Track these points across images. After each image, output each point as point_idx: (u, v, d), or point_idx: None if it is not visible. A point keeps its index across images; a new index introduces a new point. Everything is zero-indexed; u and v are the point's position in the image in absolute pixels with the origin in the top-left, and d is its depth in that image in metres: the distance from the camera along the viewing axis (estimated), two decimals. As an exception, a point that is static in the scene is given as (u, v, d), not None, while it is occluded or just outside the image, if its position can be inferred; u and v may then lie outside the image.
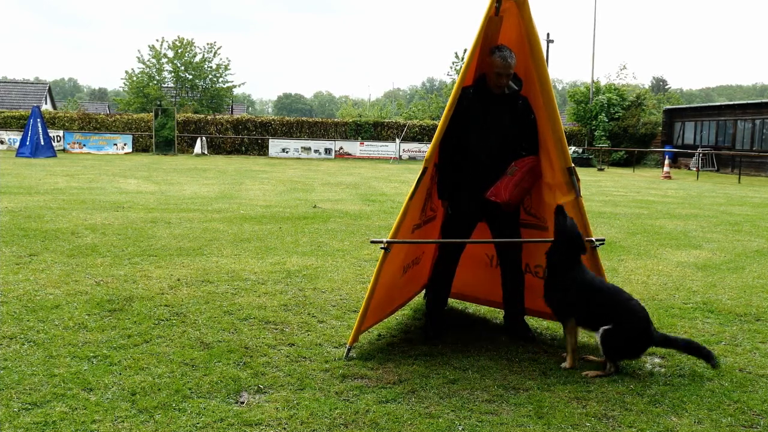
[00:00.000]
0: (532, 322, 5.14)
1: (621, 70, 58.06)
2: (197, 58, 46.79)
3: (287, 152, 35.60)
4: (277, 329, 4.87)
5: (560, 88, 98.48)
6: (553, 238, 4.38)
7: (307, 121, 39.62)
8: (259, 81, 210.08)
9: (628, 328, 4.09)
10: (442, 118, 4.45)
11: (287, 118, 40.73)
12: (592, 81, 40.16)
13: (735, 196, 18.38)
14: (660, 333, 4.25)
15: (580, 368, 4.20)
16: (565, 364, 4.21)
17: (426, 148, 31.58)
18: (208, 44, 47.69)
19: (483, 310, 5.60)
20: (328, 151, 35.90)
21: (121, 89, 50.04)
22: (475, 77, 4.73)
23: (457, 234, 4.81)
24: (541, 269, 4.64)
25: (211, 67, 47.22)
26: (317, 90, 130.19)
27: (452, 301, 5.72)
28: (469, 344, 4.67)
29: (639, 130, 38.40)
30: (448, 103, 4.50)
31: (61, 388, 3.66)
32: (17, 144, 29.61)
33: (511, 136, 4.67)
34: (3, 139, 33.61)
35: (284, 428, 3.31)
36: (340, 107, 71.16)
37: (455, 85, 4.51)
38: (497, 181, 4.60)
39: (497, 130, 4.65)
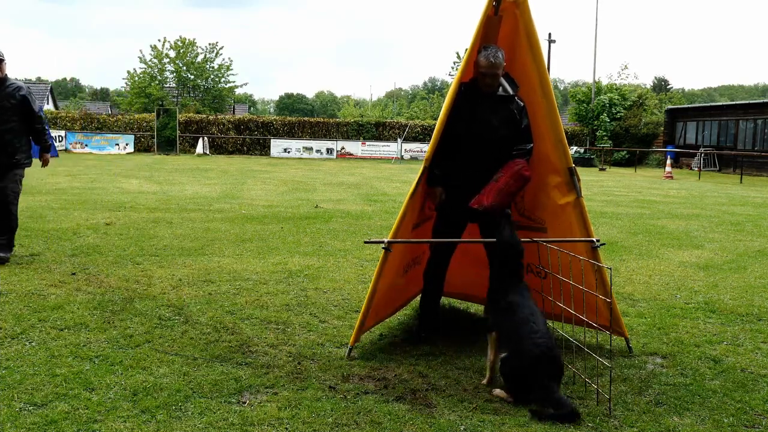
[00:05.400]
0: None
1: (623, 69, 58.20)
2: (199, 58, 46.83)
3: (289, 152, 35.62)
4: (278, 329, 4.87)
5: (562, 88, 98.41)
6: (550, 239, 4.41)
7: (309, 121, 39.66)
8: (260, 81, 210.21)
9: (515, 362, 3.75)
10: (441, 115, 4.46)
11: (289, 118, 40.78)
12: (594, 81, 40.16)
13: (737, 196, 18.36)
14: (548, 385, 3.64)
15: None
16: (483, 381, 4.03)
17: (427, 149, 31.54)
18: (210, 44, 47.71)
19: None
20: (329, 151, 35.93)
21: (123, 89, 50.08)
22: (471, 77, 4.72)
23: (444, 234, 4.79)
24: (542, 269, 4.63)
25: (213, 67, 47.25)
26: (319, 90, 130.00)
27: (454, 301, 5.73)
28: (471, 344, 4.67)
29: (641, 130, 38.39)
30: (446, 100, 4.50)
31: (63, 388, 3.67)
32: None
33: (498, 139, 4.57)
34: (5, 139, 33.62)
35: (286, 428, 3.31)
36: (342, 107, 71.15)
37: (453, 83, 4.50)
38: (484, 187, 4.54)
39: (483, 131, 4.57)
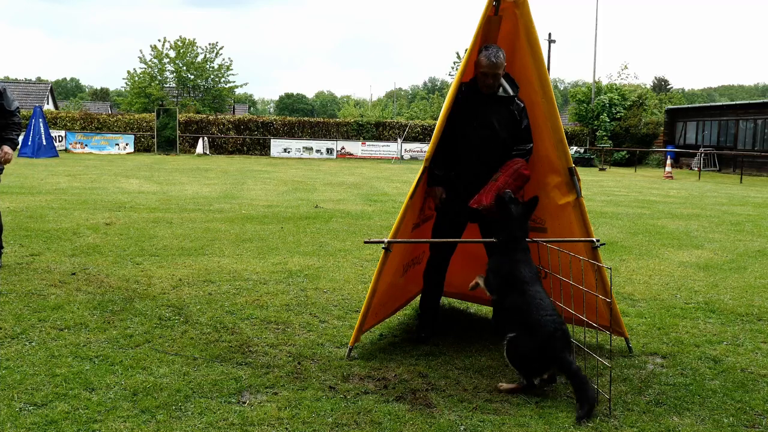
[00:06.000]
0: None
1: (623, 69, 57.90)
2: (199, 58, 46.83)
3: (289, 152, 35.62)
4: (278, 329, 4.87)
5: (562, 88, 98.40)
6: (550, 239, 4.42)
7: (309, 121, 39.66)
8: (260, 81, 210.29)
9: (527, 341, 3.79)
10: (441, 115, 4.47)
11: (289, 118, 40.77)
12: (594, 81, 40.15)
13: (737, 196, 18.36)
14: (564, 358, 3.72)
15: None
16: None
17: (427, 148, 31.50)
18: (210, 44, 47.70)
19: (485, 309, 5.60)
20: (329, 151, 35.93)
21: (123, 89, 50.11)
22: (471, 77, 4.72)
23: (445, 234, 4.79)
24: (542, 269, 4.63)
25: (213, 67, 47.25)
26: (319, 90, 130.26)
27: (454, 301, 5.73)
28: (471, 344, 4.67)
29: (641, 130, 38.41)
30: (446, 100, 4.51)
31: (63, 388, 3.67)
32: (19, 144, 29.62)
33: (498, 139, 4.59)
34: (5, 139, 33.60)
35: (286, 428, 3.31)
36: (342, 107, 71.21)
37: (453, 83, 4.50)
38: (483, 187, 4.54)
39: (483, 131, 4.58)
